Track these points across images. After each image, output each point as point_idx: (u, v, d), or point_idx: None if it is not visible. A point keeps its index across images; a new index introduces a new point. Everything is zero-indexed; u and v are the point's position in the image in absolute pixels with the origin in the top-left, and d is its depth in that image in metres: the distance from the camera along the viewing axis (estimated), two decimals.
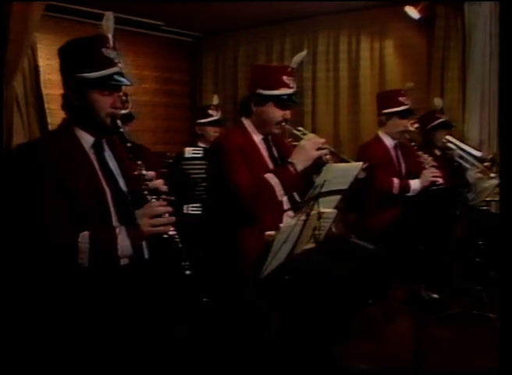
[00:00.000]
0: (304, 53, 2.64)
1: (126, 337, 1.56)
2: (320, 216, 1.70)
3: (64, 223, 1.69)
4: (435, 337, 3.04)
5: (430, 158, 3.51)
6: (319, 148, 2.42)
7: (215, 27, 5.88)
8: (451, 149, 4.00)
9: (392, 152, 3.63)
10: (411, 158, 3.57)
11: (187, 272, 1.64)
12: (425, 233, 2.08)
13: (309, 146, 2.42)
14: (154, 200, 1.72)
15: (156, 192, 1.74)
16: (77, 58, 1.83)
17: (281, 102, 2.55)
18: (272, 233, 1.47)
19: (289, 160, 2.43)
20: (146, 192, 1.73)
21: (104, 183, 1.82)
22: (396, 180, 3.42)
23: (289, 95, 2.55)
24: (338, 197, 1.88)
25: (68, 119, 1.90)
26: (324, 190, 1.67)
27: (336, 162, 2.43)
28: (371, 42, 5.13)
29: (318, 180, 1.73)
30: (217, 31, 6.03)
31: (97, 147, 1.88)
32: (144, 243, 1.85)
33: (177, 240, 1.69)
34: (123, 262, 1.74)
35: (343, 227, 3.84)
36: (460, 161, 4.00)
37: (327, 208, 1.78)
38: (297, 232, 1.63)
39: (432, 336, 3.06)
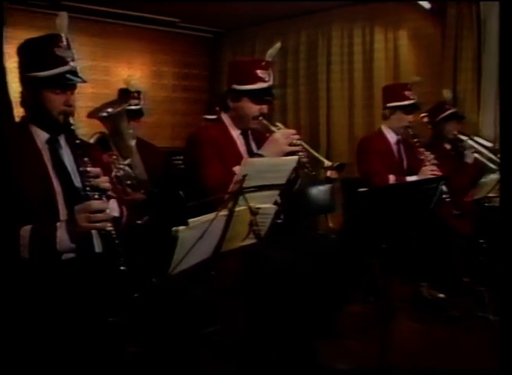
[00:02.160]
0: (278, 45, 2.57)
1: (62, 328, 1.60)
2: (256, 211, 1.66)
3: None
4: (436, 338, 2.97)
5: (432, 156, 3.38)
6: (292, 144, 2.37)
7: (232, 23, 5.88)
8: (462, 141, 3.84)
9: (394, 148, 3.52)
10: (414, 154, 3.46)
11: (122, 267, 1.66)
12: (390, 230, 2.00)
13: (282, 140, 2.38)
14: (97, 196, 1.75)
15: (99, 189, 1.78)
16: (30, 58, 1.90)
17: (256, 97, 2.51)
18: (178, 228, 1.45)
19: (259, 152, 2.41)
20: (88, 188, 1.77)
21: (54, 179, 1.87)
22: (392, 177, 3.31)
23: (264, 90, 2.50)
24: (275, 192, 1.83)
25: (24, 117, 1.96)
26: (250, 185, 1.63)
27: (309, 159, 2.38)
28: (385, 33, 5.00)
29: (236, 175, 1.70)
30: (235, 26, 6.03)
31: (52, 143, 1.93)
32: (96, 237, 1.88)
33: (114, 236, 1.71)
34: (67, 256, 1.79)
35: (341, 223, 3.79)
36: (476, 155, 3.84)
37: (264, 203, 1.74)
38: (220, 227, 1.60)
39: (433, 337, 3.00)
